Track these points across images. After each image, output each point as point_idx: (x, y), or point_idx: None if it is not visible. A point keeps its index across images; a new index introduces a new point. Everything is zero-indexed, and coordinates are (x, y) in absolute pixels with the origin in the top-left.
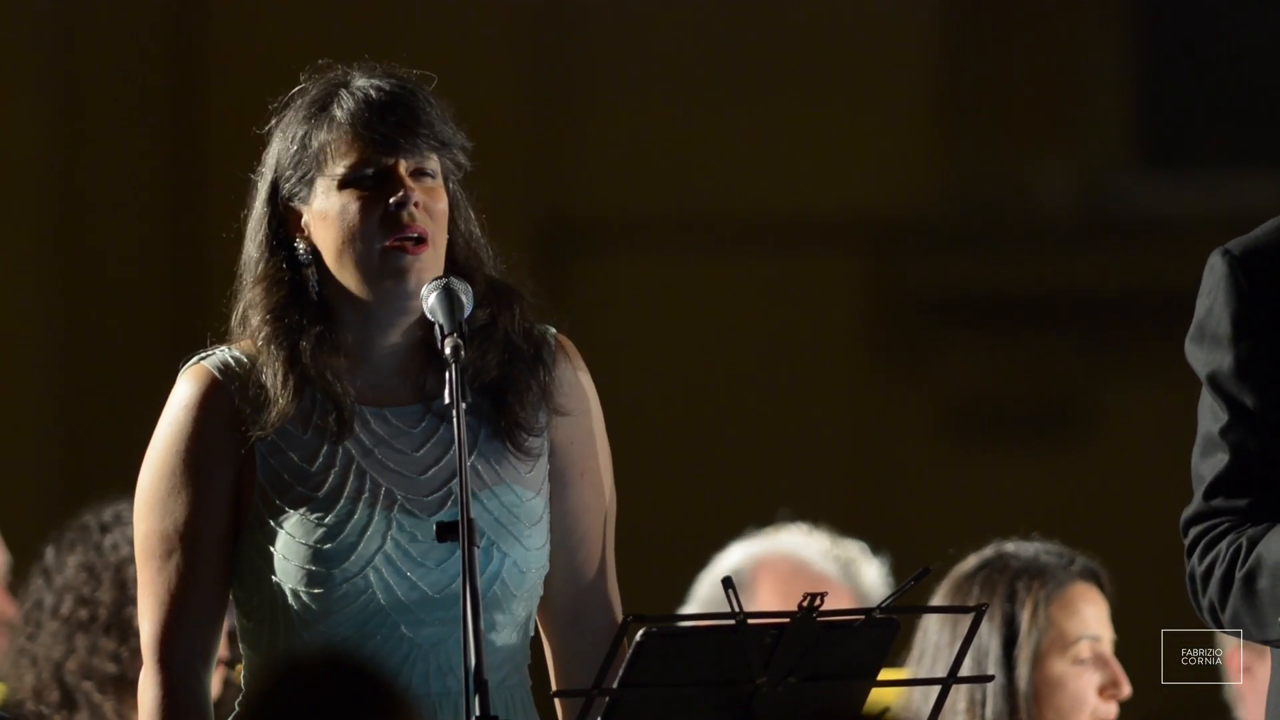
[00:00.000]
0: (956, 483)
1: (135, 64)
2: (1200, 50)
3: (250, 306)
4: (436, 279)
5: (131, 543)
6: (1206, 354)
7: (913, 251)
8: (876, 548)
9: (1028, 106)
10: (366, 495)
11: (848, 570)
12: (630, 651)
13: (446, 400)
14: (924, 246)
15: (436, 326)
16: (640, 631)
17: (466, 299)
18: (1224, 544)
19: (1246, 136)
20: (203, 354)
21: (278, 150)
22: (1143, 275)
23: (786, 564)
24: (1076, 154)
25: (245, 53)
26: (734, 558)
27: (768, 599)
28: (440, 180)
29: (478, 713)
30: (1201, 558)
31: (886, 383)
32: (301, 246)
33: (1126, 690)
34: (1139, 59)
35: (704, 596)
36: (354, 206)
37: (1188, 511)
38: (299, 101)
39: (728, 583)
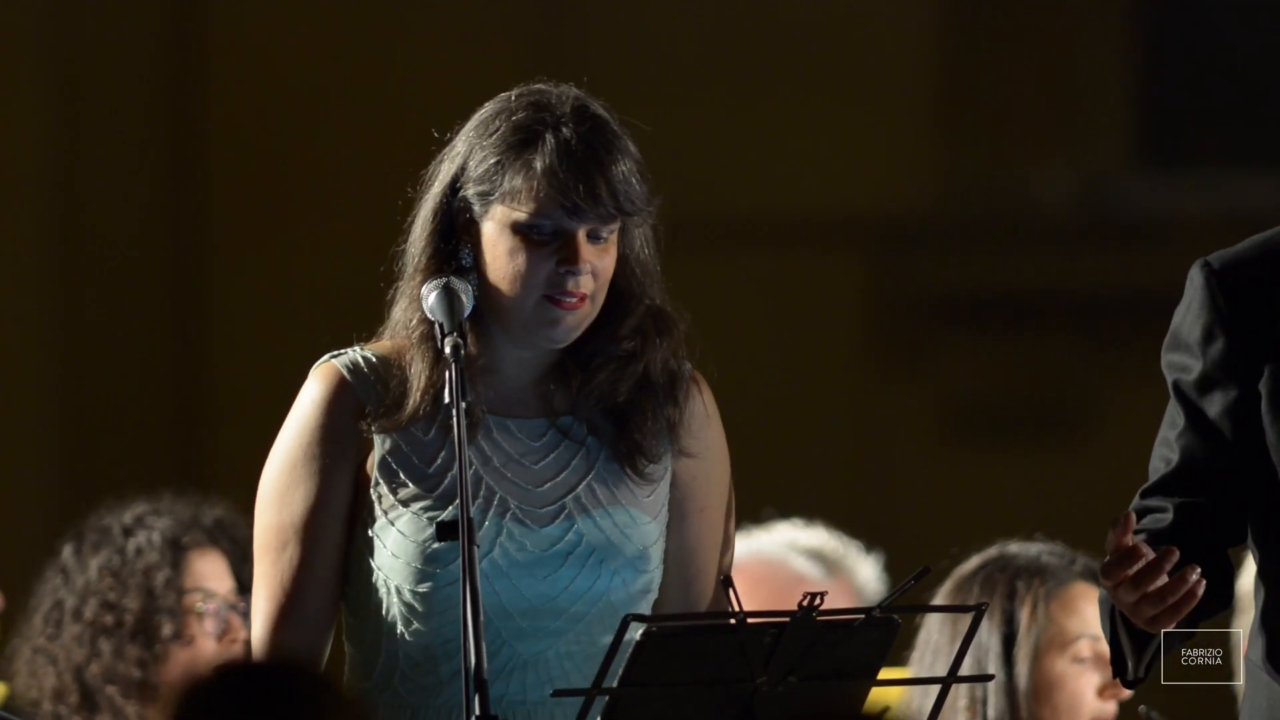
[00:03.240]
0: (956, 482)
1: (135, 63)
2: (1200, 50)
3: (411, 300)
4: (437, 278)
5: (155, 548)
6: (1176, 361)
7: (913, 251)
8: (876, 547)
9: (1028, 106)
10: (480, 500)
11: (834, 567)
12: (630, 650)
13: (446, 399)
14: (924, 246)
15: (436, 326)
16: (640, 631)
17: (466, 298)
18: None
19: (1246, 136)
20: (335, 353)
21: (468, 153)
22: (1143, 275)
23: (759, 565)
24: (1076, 154)
25: (245, 52)
26: None
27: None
28: (615, 236)
29: (478, 712)
30: None
31: (886, 382)
32: (467, 253)
33: (1127, 690)
34: (1139, 59)
35: None
36: (523, 255)
37: (1130, 507)
38: (504, 118)
39: (727, 582)
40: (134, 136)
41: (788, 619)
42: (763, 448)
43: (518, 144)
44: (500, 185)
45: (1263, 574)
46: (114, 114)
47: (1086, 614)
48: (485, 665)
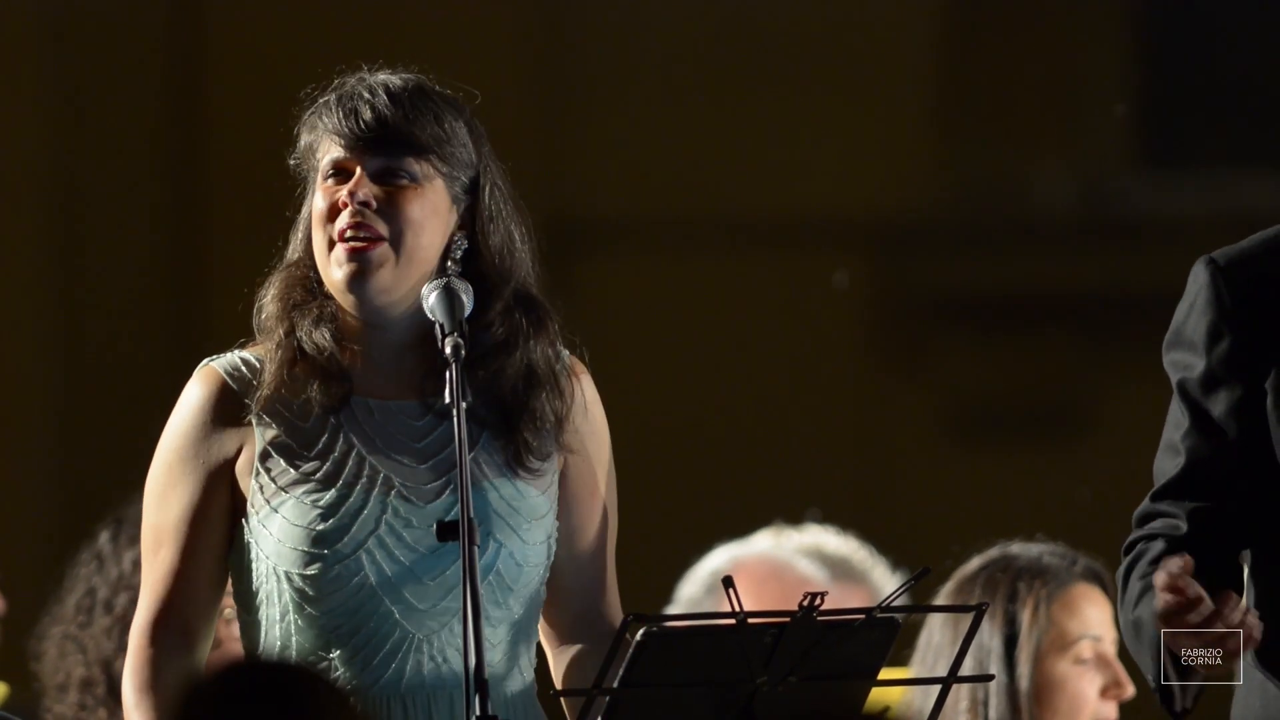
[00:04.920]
0: (957, 482)
1: (135, 64)
2: (1200, 50)
3: (268, 289)
4: (437, 278)
5: None
6: (1179, 360)
7: (913, 252)
8: (878, 548)
9: (1028, 106)
10: (364, 480)
11: (863, 575)
12: (630, 651)
13: (447, 399)
14: (924, 247)
15: (437, 326)
16: (640, 631)
17: (467, 298)
18: (1135, 550)
19: (1246, 136)
20: (215, 356)
21: None
22: (1143, 275)
23: (764, 566)
24: (1076, 154)
25: (245, 53)
26: (715, 560)
27: (743, 602)
28: (423, 184)
29: (478, 712)
30: (1125, 555)
31: (887, 383)
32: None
33: (1130, 691)
34: (1139, 59)
35: (686, 597)
36: (319, 202)
37: (1138, 509)
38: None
39: (728, 582)
40: (134, 142)
41: (788, 619)
42: (764, 447)
43: (319, 109)
44: (303, 148)
45: (1256, 571)
46: (115, 120)
47: (1088, 615)
48: (485, 665)
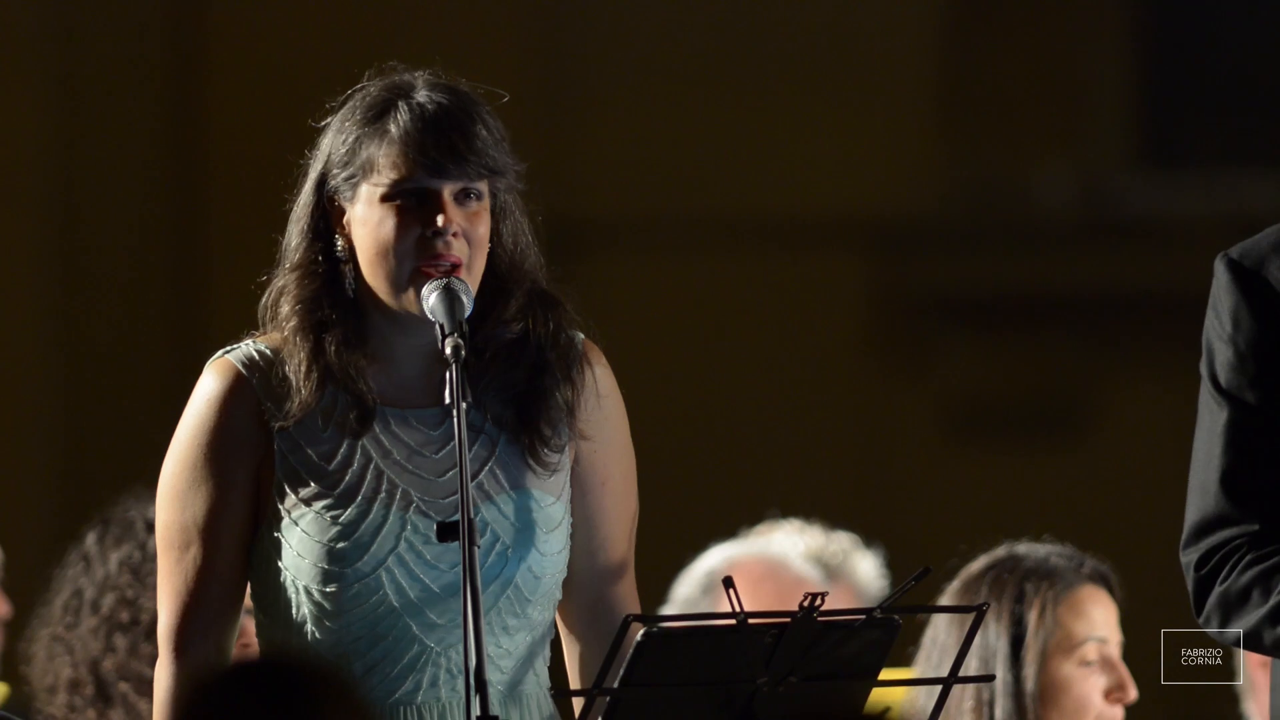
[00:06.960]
0: (957, 482)
1: (135, 64)
2: (1200, 50)
3: (283, 294)
4: (436, 279)
5: None
6: (1210, 355)
7: (914, 252)
8: (878, 546)
9: (1028, 106)
10: (383, 495)
11: (836, 570)
12: (630, 651)
13: (447, 399)
14: (925, 247)
15: (437, 326)
16: (640, 631)
17: (467, 299)
18: (1237, 561)
19: (1246, 136)
20: (229, 347)
21: (330, 144)
22: (1143, 275)
23: (760, 566)
24: (1076, 154)
25: (245, 53)
26: (711, 560)
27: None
28: (485, 202)
29: (478, 712)
30: (1206, 568)
31: (887, 382)
32: (341, 243)
33: (1133, 694)
34: (1139, 59)
35: (683, 597)
36: (391, 222)
37: (1195, 517)
38: (358, 100)
39: (728, 582)
40: (134, 141)
41: (788, 619)
42: (765, 448)
43: (373, 118)
44: (361, 161)
45: None
46: (114, 119)
47: (1094, 617)
48: (485, 665)
